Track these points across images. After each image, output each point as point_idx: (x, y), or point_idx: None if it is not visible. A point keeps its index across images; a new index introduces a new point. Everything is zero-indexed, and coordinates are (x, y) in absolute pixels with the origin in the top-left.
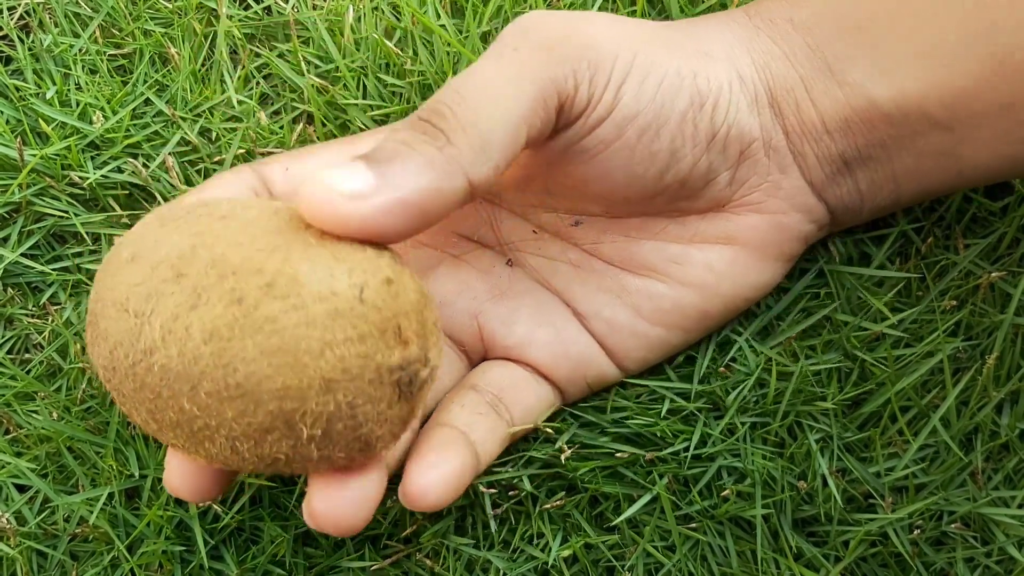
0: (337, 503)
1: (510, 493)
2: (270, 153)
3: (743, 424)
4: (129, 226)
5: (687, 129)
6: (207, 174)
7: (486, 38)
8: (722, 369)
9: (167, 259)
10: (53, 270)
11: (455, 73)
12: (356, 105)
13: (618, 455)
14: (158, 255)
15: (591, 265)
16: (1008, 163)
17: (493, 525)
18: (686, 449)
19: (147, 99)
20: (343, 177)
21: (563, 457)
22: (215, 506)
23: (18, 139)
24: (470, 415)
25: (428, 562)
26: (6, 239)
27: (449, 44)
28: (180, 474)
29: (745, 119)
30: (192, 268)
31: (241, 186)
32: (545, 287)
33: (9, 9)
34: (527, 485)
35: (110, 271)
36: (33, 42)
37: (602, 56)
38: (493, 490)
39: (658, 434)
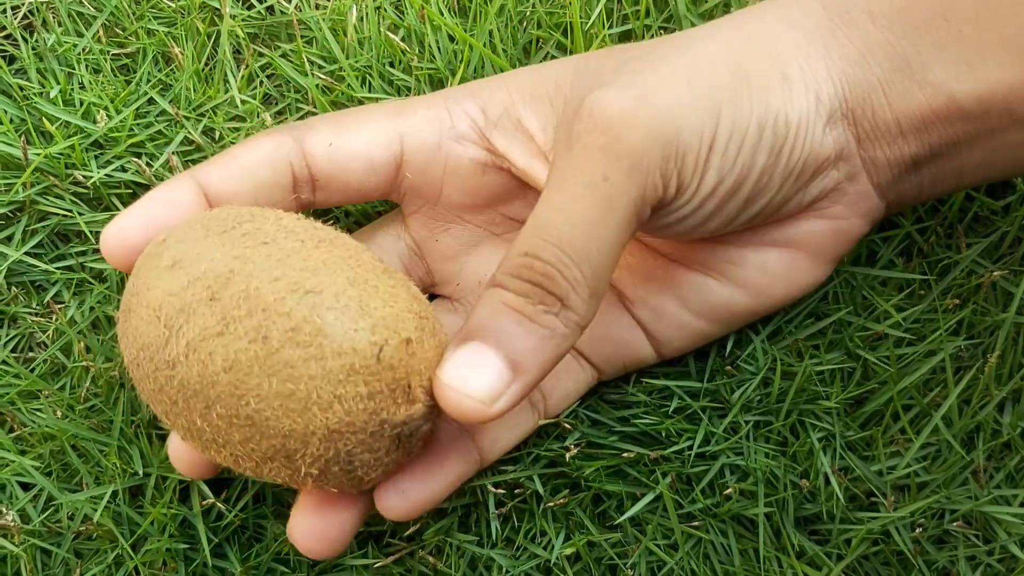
0: (313, 534)
1: (515, 491)
2: None
3: (746, 423)
4: None
5: (763, 180)
6: None
7: (490, 36)
8: (728, 368)
9: (204, 277)
10: (57, 269)
11: (464, 71)
12: (367, 98)
13: (625, 455)
14: (197, 270)
15: (640, 253)
16: None
17: (495, 525)
18: (690, 448)
19: (151, 98)
20: (477, 378)
21: (568, 456)
22: (219, 504)
23: (22, 138)
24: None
25: (431, 559)
26: (10, 238)
27: (455, 40)
28: (180, 457)
29: (819, 142)
30: (226, 293)
31: (278, 157)
32: None
33: (13, 8)
34: (537, 485)
35: (152, 271)
36: (37, 41)
37: (688, 144)
38: (501, 490)
39: (663, 433)
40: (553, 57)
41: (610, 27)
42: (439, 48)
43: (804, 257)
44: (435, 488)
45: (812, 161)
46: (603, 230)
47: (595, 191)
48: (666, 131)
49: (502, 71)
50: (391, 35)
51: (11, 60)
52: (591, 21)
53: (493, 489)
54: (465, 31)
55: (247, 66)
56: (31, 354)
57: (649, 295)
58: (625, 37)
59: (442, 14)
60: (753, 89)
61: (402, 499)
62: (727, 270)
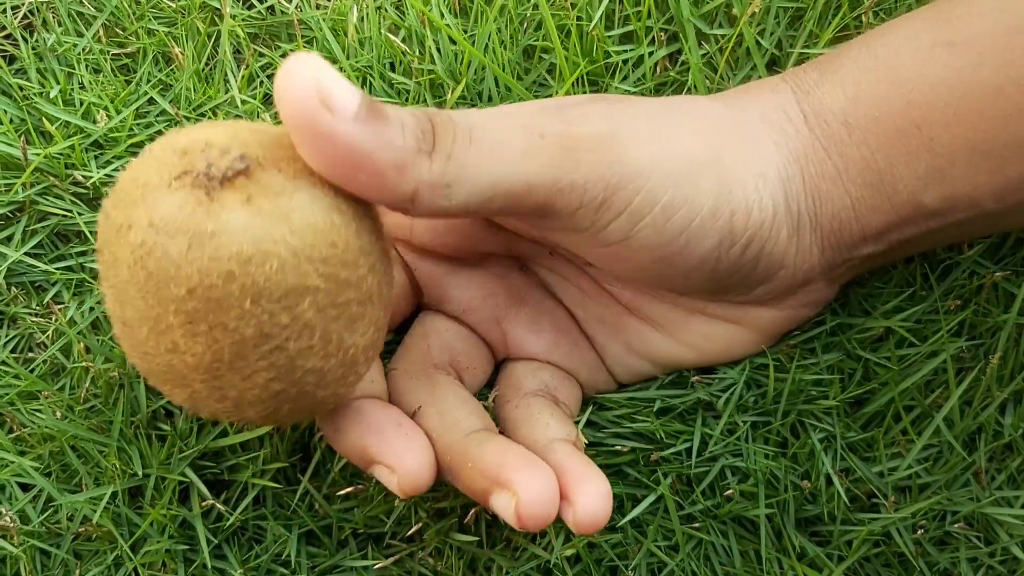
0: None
1: None
2: None
3: (744, 423)
4: None
5: (708, 264)
6: None
7: (489, 38)
8: (696, 379)
9: None
10: (56, 269)
11: (466, 76)
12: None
13: (617, 448)
14: None
15: (597, 295)
16: None
17: (484, 521)
18: (688, 450)
19: (151, 98)
20: (338, 84)
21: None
22: (218, 505)
23: (22, 138)
24: (562, 424)
25: (431, 560)
26: (10, 238)
27: (456, 42)
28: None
29: (780, 251)
30: None
31: None
32: (556, 300)
33: (13, 8)
34: None
35: None
36: (37, 41)
37: (627, 180)
38: None
39: (657, 435)
40: (554, 64)
41: (610, 29)
42: (439, 51)
43: (749, 333)
44: (601, 476)
45: (767, 265)
46: (508, 160)
47: (527, 134)
48: (615, 147)
49: (500, 79)
50: (392, 37)
51: (11, 60)
52: (593, 24)
53: None
54: (466, 32)
55: (247, 66)
56: (31, 354)
57: (599, 334)
58: (627, 39)
59: (443, 16)
60: (721, 172)
61: (602, 500)
62: (672, 329)
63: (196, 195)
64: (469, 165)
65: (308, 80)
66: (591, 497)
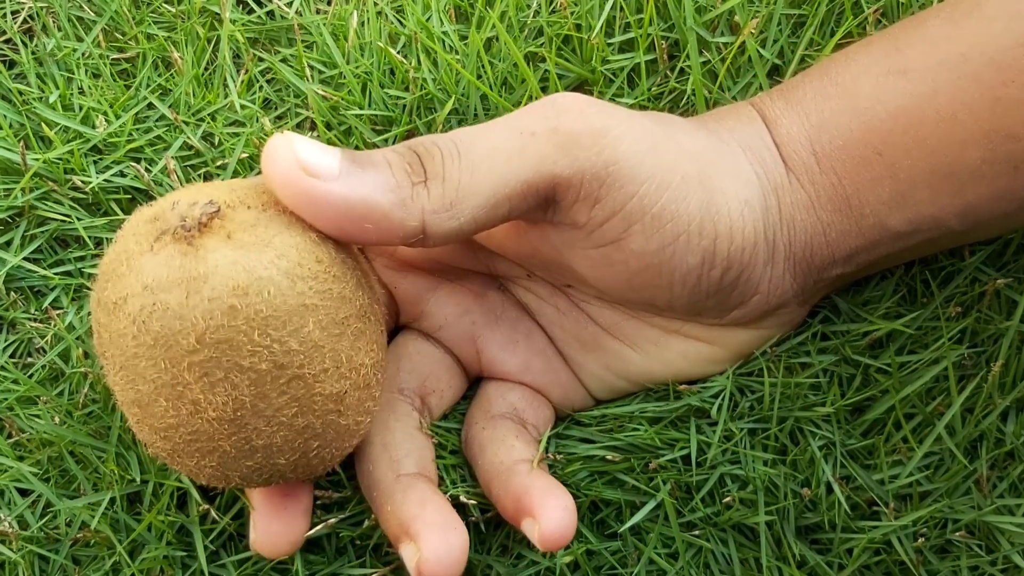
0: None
1: None
2: None
3: (740, 430)
4: None
5: (690, 280)
6: (209, 179)
7: (490, 44)
8: (682, 387)
9: None
10: (55, 274)
11: (454, 91)
12: (359, 116)
13: (608, 458)
14: None
15: (574, 315)
16: (1007, 230)
17: (482, 527)
18: (684, 457)
19: (150, 103)
20: (313, 151)
21: (551, 456)
22: (213, 512)
23: (21, 143)
24: (526, 446)
25: None
26: (9, 243)
27: (456, 51)
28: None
29: (756, 277)
30: None
31: None
32: (532, 319)
33: (13, 13)
34: None
35: None
36: (36, 46)
37: (622, 181)
38: (472, 501)
39: (652, 443)
40: (549, 71)
41: (610, 36)
42: (435, 63)
43: (724, 352)
44: (564, 492)
45: (742, 292)
46: (503, 164)
47: (517, 135)
48: (611, 147)
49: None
50: (390, 50)
51: (11, 65)
52: (595, 32)
53: (467, 500)
54: (464, 39)
55: (247, 71)
56: (29, 359)
57: (576, 353)
58: (628, 46)
59: (442, 21)
60: (709, 193)
61: (567, 515)
62: (649, 348)
63: (179, 248)
64: (465, 180)
65: (287, 154)
66: (555, 511)
